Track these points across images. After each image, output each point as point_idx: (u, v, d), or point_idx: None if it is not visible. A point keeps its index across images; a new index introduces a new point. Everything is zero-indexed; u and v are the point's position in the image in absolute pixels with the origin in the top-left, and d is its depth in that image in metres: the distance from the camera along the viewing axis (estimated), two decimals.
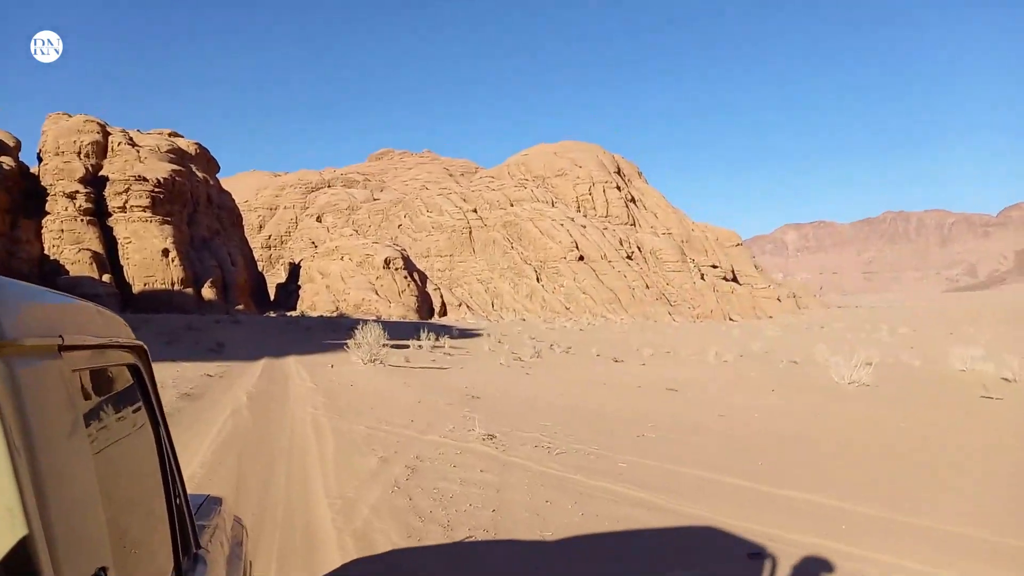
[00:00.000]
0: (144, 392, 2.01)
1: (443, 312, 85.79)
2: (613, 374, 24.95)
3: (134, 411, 1.92)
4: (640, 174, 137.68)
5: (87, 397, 1.48)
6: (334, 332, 45.63)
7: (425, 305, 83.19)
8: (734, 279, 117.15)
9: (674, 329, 70.09)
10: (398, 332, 40.41)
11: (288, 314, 73.92)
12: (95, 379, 1.61)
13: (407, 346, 34.91)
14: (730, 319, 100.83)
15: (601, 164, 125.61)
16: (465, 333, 43.75)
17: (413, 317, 75.25)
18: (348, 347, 30.18)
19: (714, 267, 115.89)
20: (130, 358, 1.93)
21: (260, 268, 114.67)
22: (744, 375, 24.47)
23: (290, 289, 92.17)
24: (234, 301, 72.70)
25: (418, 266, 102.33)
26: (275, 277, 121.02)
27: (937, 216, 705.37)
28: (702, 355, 35.03)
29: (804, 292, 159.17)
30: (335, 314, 72.16)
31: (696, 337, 53.52)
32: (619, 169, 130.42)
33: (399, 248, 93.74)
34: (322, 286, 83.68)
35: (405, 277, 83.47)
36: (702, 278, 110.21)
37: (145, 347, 2.06)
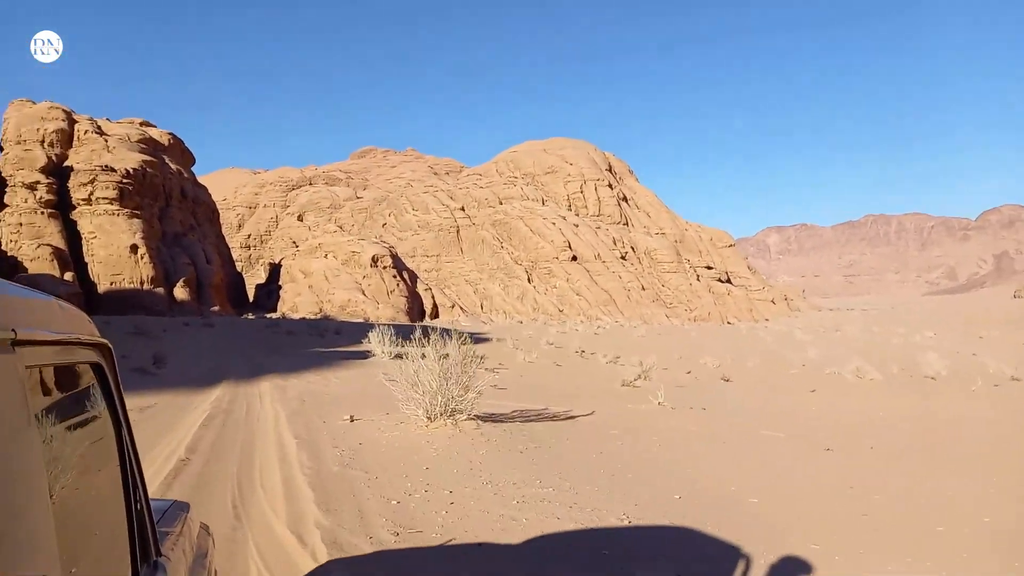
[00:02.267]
0: (107, 392, 1.94)
1: (435, 314, 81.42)
2: (820, 412, 17.92)
3: (95, 411, 1.86)
4: (631, 172, 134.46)
5: (44, 394, 1.47)
6: (321, 337, 40.72)
7: (416, 306, 78.77)
8: (728, 280, 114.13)
9: (695, 334, 64.97)
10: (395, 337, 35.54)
11: (268, 316, 69.21)
12: (53, 376, 1.57)
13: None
14: (727, 322, 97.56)
15: (592, 161, 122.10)
16: (475, 338, 38.33)
17: (403, 319, 70.76)
18: (370, 356, 26.53)
19: (708, 268, 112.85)
20: (93, 356, 1.86)
21: (239, 269, 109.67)
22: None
23: (270, 289, 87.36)
24: (209, 302, 67.89)
25: None
26: (255, 278, 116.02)
27: (917, 219, 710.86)
28: (824, 370, 29.21)
29: (794, 295, 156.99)
30: (319, 316, 67.44)
31: (733, 344, 48.54)
32: (611, 167, 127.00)
33: (387, 245, 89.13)
34: (304, 286, 78.90)
35: (394, 276, 78.90)
36: (697, 279, 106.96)
37: (110, 345, 1.98)
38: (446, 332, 23.32)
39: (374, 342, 28.00)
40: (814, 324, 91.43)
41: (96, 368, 1.88)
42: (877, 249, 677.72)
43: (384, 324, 59.00)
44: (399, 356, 25.33)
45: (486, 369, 23.61)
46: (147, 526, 2.17)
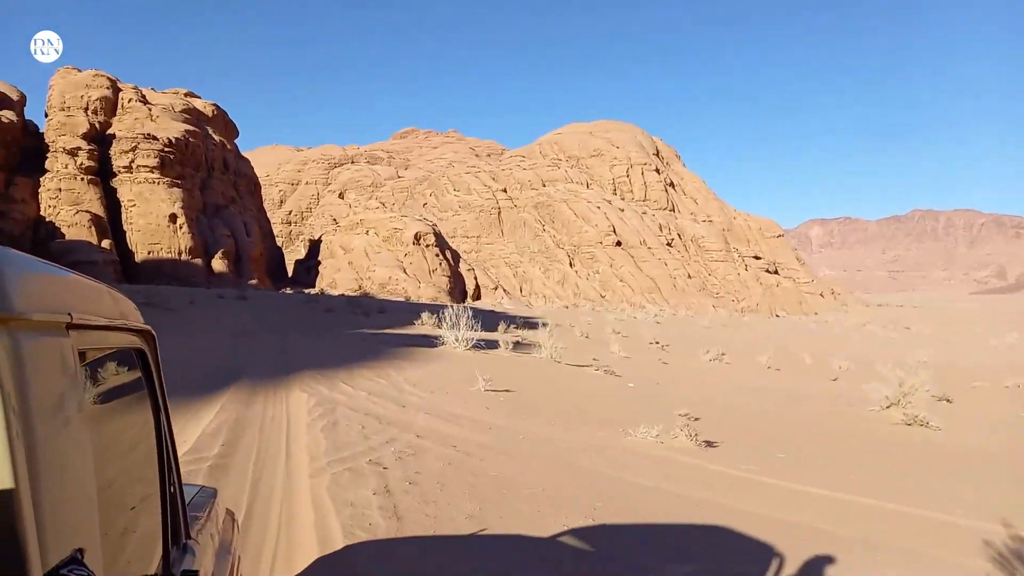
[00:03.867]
0: (148, 378, 1.99)
1: (476, 295, 79.33)
2: None
3: (137, 396, 1.92)
4: (679, 157, 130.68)
5: (91, 378, 1.51)
6: (365, 316, 36.00)
7: (458, 287, 76.78)
8: (775, 272, 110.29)
9: (763, 327, 60.22)
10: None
11: (306, 291, 67.88)
12: (100, 361, 1.63)
13: (495, 343, 23.16)
14: (776, 314, 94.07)
15: (640, 145, 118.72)
16: (529, 323, 35.09)
17: (445, 300, 68.85)
18: (438, 344, 21.31)
19: (756, 258, 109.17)
20: (137, 342, 1.91)
21: (279, 244, 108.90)
22: None
23: (309, 265, 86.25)
24: (247, 275, 66.76)
25: None
26: (294, 254, 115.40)
27: (967, 216, 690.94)
28: (1003, 380, 25.10)
29: (841, 288, 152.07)
30: (358, 293, 65.75)
31: (818, 341, 44.65)
32: (658, 151, 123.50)
33: (430, 223, 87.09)
34: (344, 262, 77.34)
35: (437, 255, 76.91)
36: (745, 269, 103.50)
37: (153, 332, 2.03)
38: (510, 319, 20.70)
39: (445, 329, 22.78)
40: (880, 321, 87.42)
41: (139, 353, 1.92)
42: (923, 245, 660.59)
43: (427, 303, 57.11)
44: (480, 347, 21.07)
45: (598, 369, 20.16)
46: (179, 509, 2.20)
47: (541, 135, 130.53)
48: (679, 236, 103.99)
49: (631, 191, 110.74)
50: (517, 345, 23.58)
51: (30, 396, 1.06)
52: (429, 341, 23.11)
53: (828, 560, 5.96)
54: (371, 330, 28.40)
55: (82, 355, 1.36)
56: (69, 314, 1.28)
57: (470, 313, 23.84)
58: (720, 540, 6.45)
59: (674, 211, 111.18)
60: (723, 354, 29.15)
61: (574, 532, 6.36)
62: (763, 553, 6.10)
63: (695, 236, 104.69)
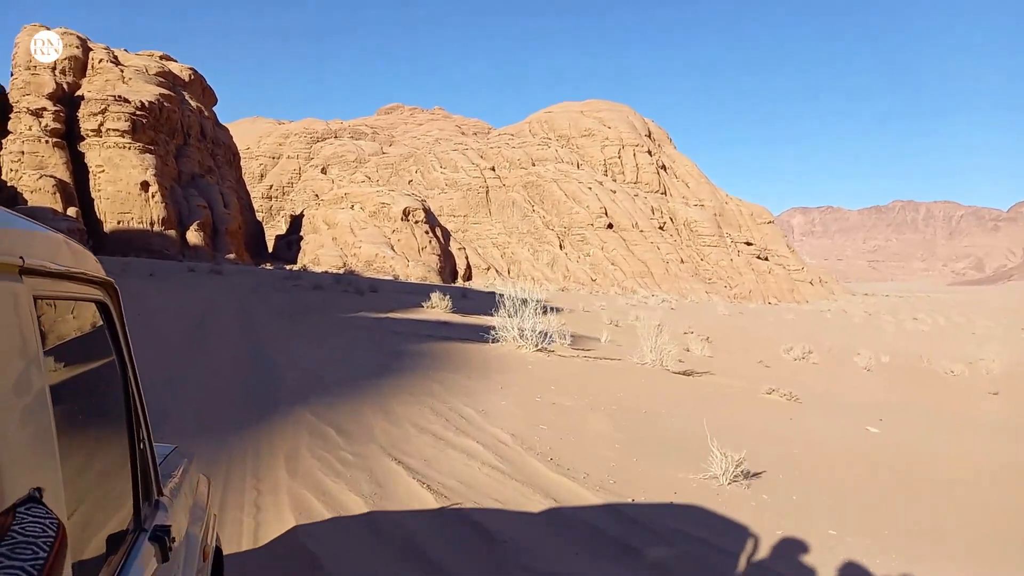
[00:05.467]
0: (112, 330, 1.94)
1: (468, 276, 76.32)
2: None
3: (100, 349, 1.89)
4: (670, 140, 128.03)
5: (49, 326, 1.48)
6: (360, 296, 30.80)
7: (448, 266, 73.65)
8: (765, 259, 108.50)
9: (772, 316, 56.10)
10: (423, 300, 26.75)
11: (287, 267, 64.59)
12: (58, 310, 1.59)
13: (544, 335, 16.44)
14: (768, 302, 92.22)
15: (632, 126, 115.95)
16: (546, 308, 29.14)
17: (435, 279, 65.81)
18: (489, 339, 15.79)
19: (748, 244, 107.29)
20: (98, 294, 1.86)
21: (259, 219, 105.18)
22: None
23: (290, 240, 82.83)
24: (224, 249, 63.35)
25: None
26: (275, 230, 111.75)
27: (946, 208, 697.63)
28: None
29: (827, 277, 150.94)
30: (343, 270, 62.44)
31: (837, 331, 40.91)
32: (650, 133, 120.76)
33: (420, 198, 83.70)
34: (328, 238, 73.91)
35: (426, 232, 73.64)
36: (738, 255, 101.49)
37: (115, 284, 1.98)
38: (523, 301, 16.82)
39: (505, 319, 16.24)
40: (880, 310, 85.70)
41: (101, 306, 1.87)
42: (903, 236, 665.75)
43: (416, 283, 53.95)
44: (543, 349, 15.34)
45: (771, 392, 14.02)
46: (150, 466, 2.19)
47: (528, 115, 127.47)
48: (671, 220, 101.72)
49: (623, 173, 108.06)
50: (573, 340, 18.28)
51: None
52: (478, 334, 17.08)
53: None
54: (373, 314, 22.74)
55: (37, 301, 1.32)
56: (21, 257, 1.24)
57: (465, 294, 20.38)
58: None
59: (666, 194, 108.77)
60: (809, 352, 24.42)
61: None
62: None
63: (687, 220, 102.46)
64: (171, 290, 25.66)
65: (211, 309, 21.08)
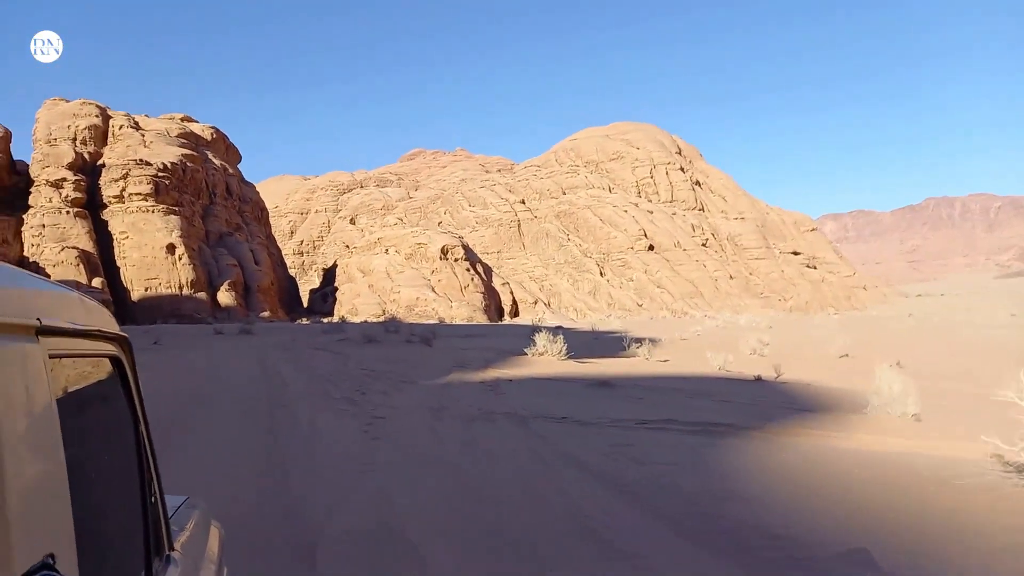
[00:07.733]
0: (125, 386, 1.95)
1: (515, 311, 72.95)
2: None
3: (114, 404, 1.90)
4: (700, 155, 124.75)
5: (64, 385, 1.49)
6: (428, 347, 24.57)
7: (494, 303, 70.40)
8: (814, 267, 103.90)
9: (870, 328, 45.82)
10: (508, 344, 23.44)
11: (324, 320, 61.83)
12: (74, 367, 1.60)
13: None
14: (828, 313, 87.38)
15: (660, 144, 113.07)
16: (637, 341, 22.88)
17: (481, 319, 62.55)
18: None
19: (795, 253, 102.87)
20: (112, 349, 1.87)
21: (292, 275, 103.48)
22: None
23: (325, 292, 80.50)
24: (258, 307, 60.94)
25: None
26: (308, 284, 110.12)
27: (982, 200, 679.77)
28: None
29: (876, 281, 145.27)
30: (383, 318, 59.25)
31: (992, 350, 34.50)
32: (680, 149, 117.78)
33: (457, 235, 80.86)
34: (364, 285, 71.20)
35: (468, 270, 70.57)
36: (788, 266, 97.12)
37: (129, 339, 1.99)
38: (618, 338, 13.42)
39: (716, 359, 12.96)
40: (960, 307, 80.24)
41: (115, 361, 1.88)
42: (941, 232, 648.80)
43: (464, 324, 50.36)
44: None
45: None
46: (161, 520, 2.16)
47: (552, 145, 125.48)
48: (713, 235, 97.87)
49: (656, 192, 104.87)
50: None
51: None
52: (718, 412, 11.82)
53: None
54: (473, 375, 16.47)
55: (54, 360, 1.33)
56: (38, 319, 1.25)
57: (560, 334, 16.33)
58: None
59: (703, 210, 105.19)
60: None
61: None
62: None
63: (730, 234, 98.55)
64: (171, 362, 19.16)
65: (209, 387, 14.44)
